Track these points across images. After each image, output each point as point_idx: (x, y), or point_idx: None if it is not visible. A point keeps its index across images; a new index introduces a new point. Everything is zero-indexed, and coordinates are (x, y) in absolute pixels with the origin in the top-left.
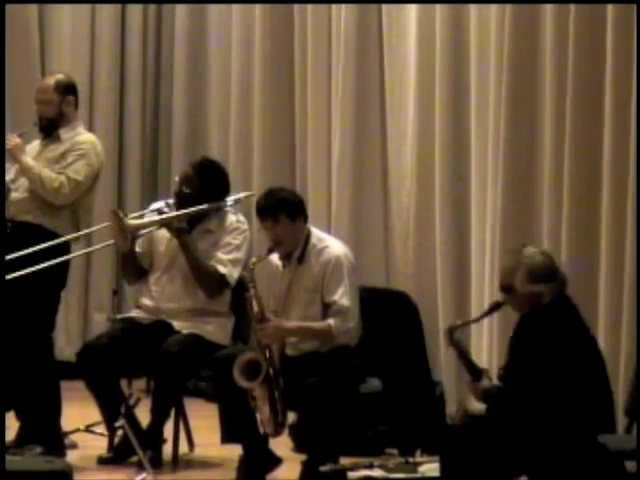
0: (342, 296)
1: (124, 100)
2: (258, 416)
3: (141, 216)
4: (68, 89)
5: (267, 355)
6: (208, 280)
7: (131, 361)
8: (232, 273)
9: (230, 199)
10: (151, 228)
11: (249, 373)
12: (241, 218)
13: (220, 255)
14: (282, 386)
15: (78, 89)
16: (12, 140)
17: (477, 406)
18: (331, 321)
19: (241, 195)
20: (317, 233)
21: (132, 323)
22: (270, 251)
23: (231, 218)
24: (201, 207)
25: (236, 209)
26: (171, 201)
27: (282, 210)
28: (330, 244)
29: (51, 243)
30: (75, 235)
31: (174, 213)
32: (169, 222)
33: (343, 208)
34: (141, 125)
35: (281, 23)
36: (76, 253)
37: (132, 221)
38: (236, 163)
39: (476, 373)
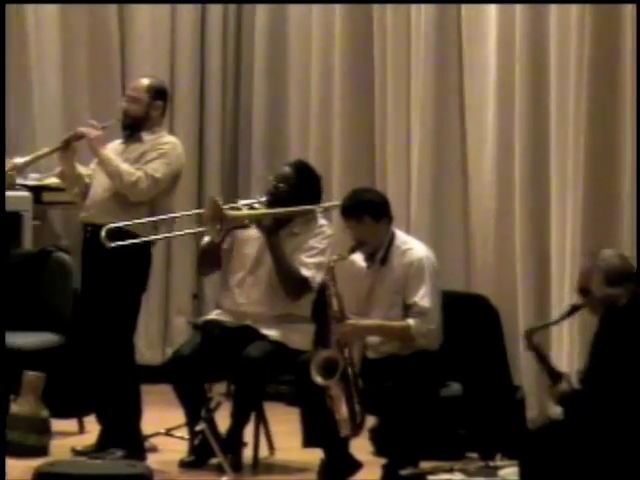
0: (423, 297)
1: (204, 103)
2: (336, 416)
3: (238, 208)
4: (159, 93)
5: (345, 354)
6: (291, 282)
7: (213, 364)
8: (315, 277)
9: (322, 205)
10: (245, 222)
11: (326, 371)
12: (326, 222)
13: (304, 258)
14: (361, 387)
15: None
16: (93, 132)
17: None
18: (411, 321)
19: (333, 204)
20: (401, 235)
21: (216, 326)
22: (352, 251)
23: (317, 222)
24: (298, 208)
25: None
26: (263, 198)
27: (366, 211)
28: (413, 246)
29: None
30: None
31: (273, 210)
32: (262, 218)
33: (422, 211)
34: (221, 128)
35: (361, 24)
36: (168, 234)
37: (230, 212)
38: (316, 165)
39: (555, 377)
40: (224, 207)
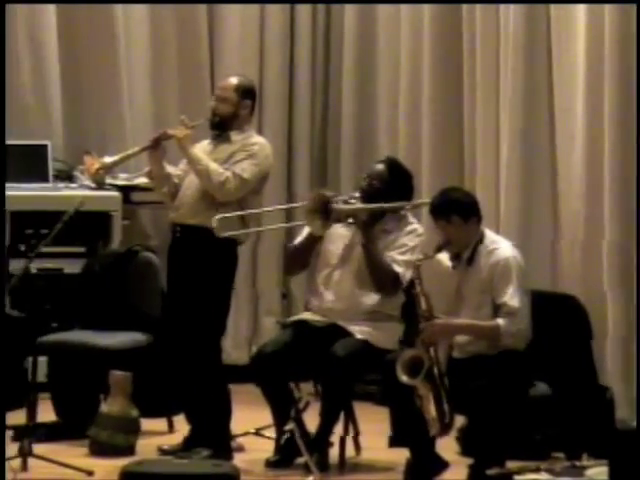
0: (512, 297)
1: (293, 103)
2: (425, 416)
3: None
4: (247, 93)
5: (431, 353)
6: (383, 277)
7: (301, 364)
8: (405, 274)
9: (415, 202)
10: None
11: (412, 370)
12: (416, 221)
13: (395, 255)
14: (448, 386)
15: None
16: (183, 131)
17: None
18: (500, 321)
19: (424, 201)
20: (490, 235)
21: (303, 326)
22: (438, 250)
23: (408, 220)
24: (395, 204)
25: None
26: (357, 195)
27: (454, 210)
28: (500, 246)
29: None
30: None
31: (374, 205)
32: (358, 214)
33: (511, 210)
34: (310, 128)
35: (449, 24)
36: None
37: (337, 205)
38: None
39: None
40: (332, 200)
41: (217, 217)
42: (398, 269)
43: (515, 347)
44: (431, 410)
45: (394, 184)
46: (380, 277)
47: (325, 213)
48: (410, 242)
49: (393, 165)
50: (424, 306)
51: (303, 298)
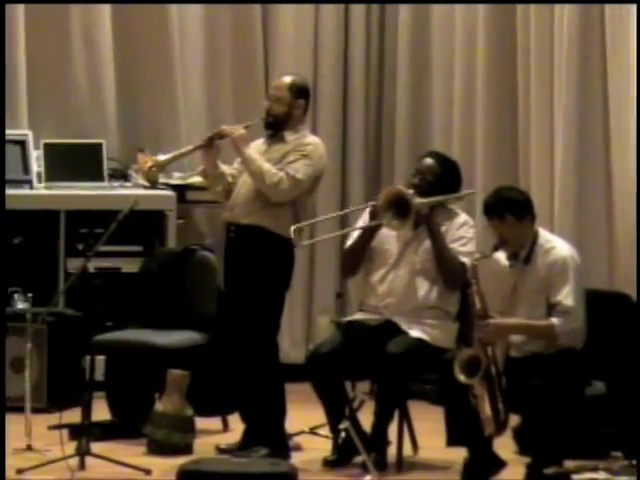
0: (567, 296)
1: (347, 103)
2: (480, 415)
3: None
4: (301, 92)
5: (489, 353)
6: (453, 268)
7: (356, 363)
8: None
9: (462, 193)
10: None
11: (470, 369)
12: (464, 213)
13: (457, 247)
14: (504, 386)
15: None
16: (237, 130)
17: None
18: (554, 320)
19: (468, 191)
20: (545, 234)
21: (358, 325)
22: (495, 249)
23: (459, 213)
24: (443, 197)
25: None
26: (410, 191)
27: (508, 209)
28: (557, 245)
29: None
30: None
31: (441, 197)
32: (420, 209)
33: (566, 210)
34: (364, 128)
35: (504, 24)
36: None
37: (417, 200)
38: (459, 165)
39: None
40: (410, 194)
41: (293, 227)
42: (464, 259)
43: (570, 346)
44: (486, 409)
45: (446, 176)
46: (450, 268)
47: (401, 209)
48: (467, 234)
49: (441, 158)
50: (479, 305)
51: (357, 297)
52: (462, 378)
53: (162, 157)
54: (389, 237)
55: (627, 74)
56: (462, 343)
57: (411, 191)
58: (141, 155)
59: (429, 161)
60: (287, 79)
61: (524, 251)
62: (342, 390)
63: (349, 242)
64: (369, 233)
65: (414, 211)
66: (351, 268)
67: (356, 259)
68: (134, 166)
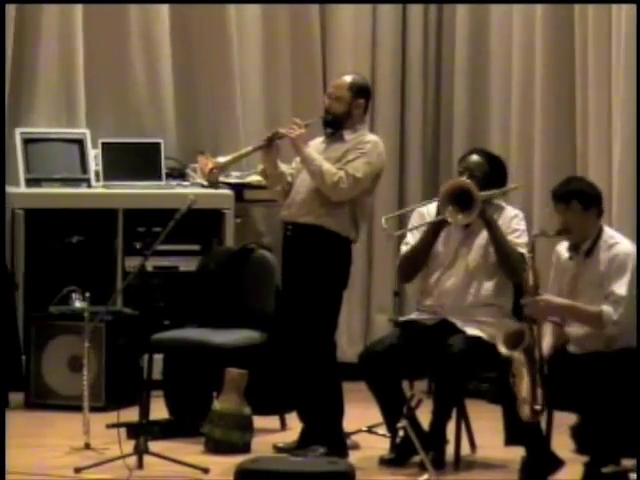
0: (620, 286)
1: (405, 102)
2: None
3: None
4: (361, 91)
5: (534, 332)
6: (513, 258)
7: (412, 362)
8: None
9: (507, 188)
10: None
11: (514, 344)
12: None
13: (514, 239)
14: (546, 373)
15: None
16: (296, 129)
17: None
18: (604, 307)
19: (513, 186)
20: (610, 231)
21: (414, 325)
22: (558, 233)
23: (506, 207)
24: (496, 190)
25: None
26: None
27: (575, 196)
28: (621, 241)
29: None
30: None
31: (493, 191)
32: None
33: (624, 210)
34: (422, 127)
35: (562, 24)
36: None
37: (481, 193)
38: (517, 164)
39: None
40: (473, 185)
41: (385, 218)
42: (522, 250)
43: (620, 339)
44: (523, 389)
45: (493, 172)
46: (511, 259)
47: (463, 202)
48: (519, 226)
49: (487, 154)
50: (532, 281)
51: (415, 296)
52: (504, 350)
53: (222, 159)
54: (441, 239)
55: None
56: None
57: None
58: (201, 157)
59: (476, 158)
60: (348, 78)
61: (586, 244)
62: (398, 388)
63: (405, 248)
64: (434, 232)
65: (479, 200)
66: (411, 273)
67: (418, 263)
68: (192, 165)
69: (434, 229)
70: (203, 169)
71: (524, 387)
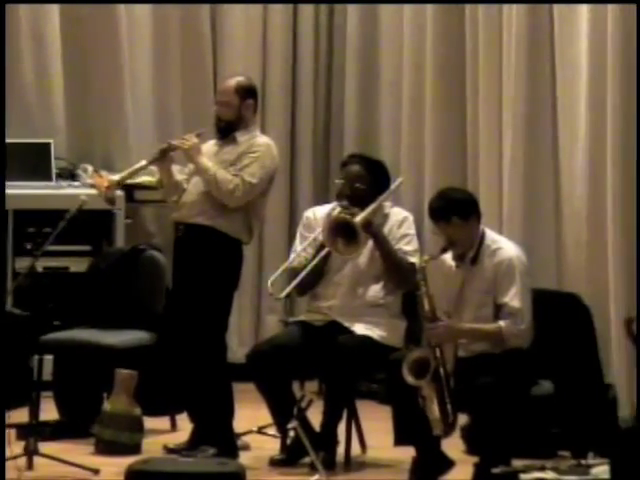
0: (513, 298)
1: (296, 103)
2: (429, 416)
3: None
4: (248, 92)
5: (437, 355)
6: (403, 271)
7: (303, 363)
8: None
9: (391, 190)
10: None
11: (418, 371)
12: (390, 204)
13: (403, 247)
14: (453, 387)
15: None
16: (189, 140)
17: None
18: (502, 323)
19: (397, 183)
20: (491, 234)
21: (304, 325)
22: (443, 251)
23: (394, 210)
24: (379, 200)
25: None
26: (344, 202)
27: (454, 211)
28: (504, 245)
29: None
30: None
31: (378, 202)
32: (363, 223)
33: (514, 210)
34: (313, 128)
35: (452, 24)
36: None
37: (358, 217)
38: (408, 166)
39: None
40: (349, 217)
41: (270, 280)
42: (412, 259)
43: (520, 346)
44: (434, 410)
45: (376, 180)
46: (400, 272)
47: (347, 233)
48: (409, 230)
49: (367, 161)
50: (427, 307)
51: (304, 298)
52: (410, 380)
53: (117, 176)
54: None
55: (576, 75)
56: (410, 341)
57: (343, 211)
58: (96, 177)
59: (356, 168)
60: (232, 82)
61: (471, 252)
62: (288, 389)
63: (293, 257)
64: (324, 260)
65: (360, 232)
66: (306, 291)
67: (311, 284)
68: (82, 165)
69: (324, 257)
70: (99, 188)
71: (434, 408)
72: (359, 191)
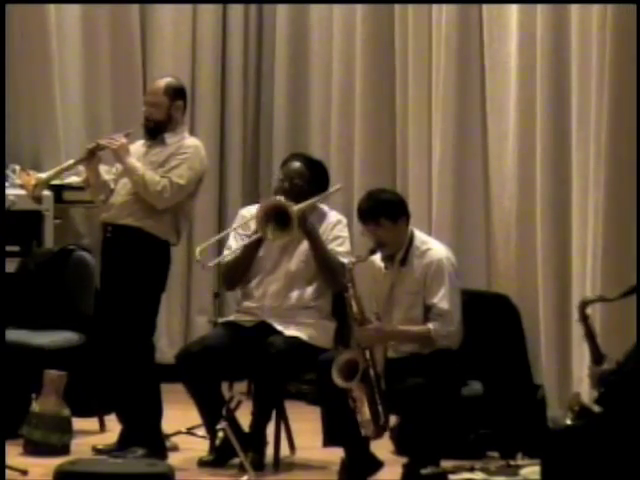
0: (442, 299)
1: (225, 103)
2: (358, 418)
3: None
4: (177, 93)
5: (367, 356)
6: (335, 271)
7: (232, 364)
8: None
9: (328, 192)
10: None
11: (348, 373)
12: (335, 212)
13: (335, 247)
14: (384, 389)
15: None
16: (118, 140)
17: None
18: (431, 325)
19: (336, 187)
20: (420, 235)
21: (233, 326)
22: (372, 252)
23: (331, 213)
24: (316, 198)
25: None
26: (282, 198)
27: (383, 213)
28: (433, 246)
29: None
30: None
31: (314, 199)
32: (299, 214)
33: (444, 210)
34: (242, 128)
35: (382, 24)
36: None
37: (295, 207)
38: (337, 166)
39: (598, 357)
40: (288, 204)
41: (198, 249)
42: (344, 260)
43: (449, 347)
44: (365, 412)
45: (314, 178)
46: (332, 271)
47: (281, 220)
48: (342, 233)
49: (307, 160)
50: (356, 309)
51: (235, 298)
52: (340, 382)
53: (44, 175)
54: (265, 244)
55: (505, 75)
56: (340, 342)
57: (281, 197)
58: (23, 174)
59: (296, 165)
60: (161, 82)
61: (400, 253)
62: (216, 389)
63: (229, 256)
64: (254, 247)
65: (295, 219)
66: (235, 282)
67: (240, 273)
68: (12, 166)
69: (255, 244)
70: (27, 186)
71: (365, 410)
72: (297, 187)
